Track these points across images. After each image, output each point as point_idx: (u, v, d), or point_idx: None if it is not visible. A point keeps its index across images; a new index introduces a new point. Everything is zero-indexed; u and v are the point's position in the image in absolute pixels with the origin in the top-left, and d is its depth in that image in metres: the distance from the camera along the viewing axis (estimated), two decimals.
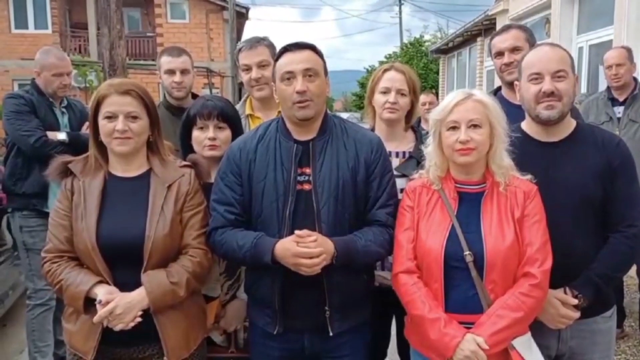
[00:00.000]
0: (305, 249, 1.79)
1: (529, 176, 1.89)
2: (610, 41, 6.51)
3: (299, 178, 1.94)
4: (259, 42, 2.74)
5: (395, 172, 2.17)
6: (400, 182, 2.17)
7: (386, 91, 2.45)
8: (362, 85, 31.20)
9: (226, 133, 2.27)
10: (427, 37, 26.05)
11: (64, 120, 3.44)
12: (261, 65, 2.69)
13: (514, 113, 2.05)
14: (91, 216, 1.88)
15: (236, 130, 2.31)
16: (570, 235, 1.91)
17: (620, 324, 3.95)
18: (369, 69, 30.84)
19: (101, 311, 1.79)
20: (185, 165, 2.05)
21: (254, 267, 2.01)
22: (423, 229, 1.89)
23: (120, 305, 1.80)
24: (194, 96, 3.05)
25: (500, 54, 2.65)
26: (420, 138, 2.51)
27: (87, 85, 16.68)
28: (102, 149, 1.97)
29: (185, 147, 2.32)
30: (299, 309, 1.95)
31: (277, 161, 1.95)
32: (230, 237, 1.93)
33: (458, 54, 15.67)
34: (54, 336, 3.48)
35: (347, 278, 1.94)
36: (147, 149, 2.02)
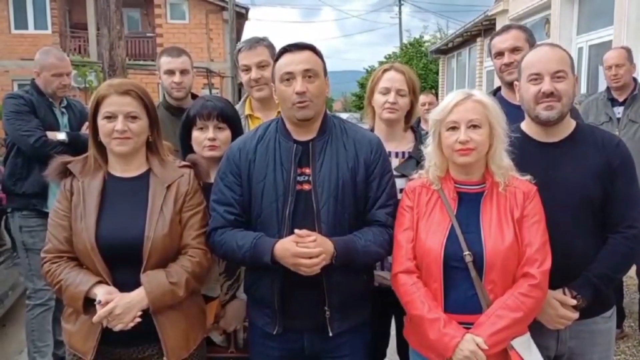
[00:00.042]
0: (304, 249, 1.79)
1: (528, 176, 1.89)
2: (610, 41, 6.51)
3: (298, 178, 1.94)
4: (258, 42, 2.74)
5: (394, 172, 2.18)
6: (399, 182, 2.17)
7: (386, 91, 2.45)
8: (362, 85, 31.21)
9: (226, 133, 2.27)
10: (426, 37, 26.08)
11: (63, 120, 3.44)
12: (261, 66, 2.69)
13: (514, 113, 2.05)
14: (90, 216, 1.88)
15: (236, 130, 2.31)
16: (570, 236, 1.91)
17: (620, 325, 3.95)
18: (369, 69, 30.85)
19: (100, 311, 1.79)
20: (184, 166, 2.05)
21: (253, 267, 2.01)
22: (422, 229, 1.89)
23: (120, 306, 1.80)
24: (194, 96, 3.05)
25: (500, 54, 2.65)
26: (419, 138, 2.51)
27: (87, 85, 16.67)
28: (101, 149, 1.97)
29: (185, 148, 2.32)
30: (299, 309, 1.95)
31: (276, 161, 1.95)
32: (230, 238, 1.93)
33: (458, 54, 15.67)
34: (54, 336, 3.48)
35: (347, 278, 1.94)
36: (147, 149, 2.02)
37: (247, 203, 1.97)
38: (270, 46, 2.75)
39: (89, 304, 1.83)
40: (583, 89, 7.18)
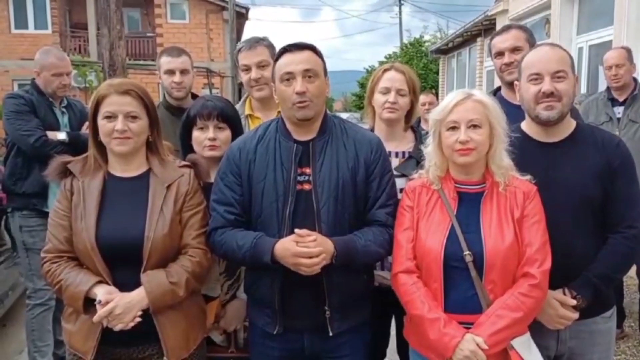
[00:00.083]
0: (304, 248, 1.79)
1: (528, 176, 1.89)
2: (610, 41, 6.51)
3: (298, 178, 1.94)
4: (258, 42, 2.74)
5: (394, 172, 2.18)
6: (399, 182, 2.17)
7: (386, 91, 2.45)
8: (362, 85, 31.19)
9: (226, 133, 2.27)
10: (427, 37, 26.06)
11: (63, 120, 3.44)
12: (261, 66, 2.69)
13: (514, 113, 2.05)
14: (90, 216, 1.88)
15: (236, 130, 2.31)
16: (570, 236, 1.91)
17: (620, 325, 3.95)
18: (369, 69, 30.83)
19: (101, 311, 1.79)
20: (184, 165, 2.05)
21: (253, 267, 2.01)
22: (422, 229, 1.89)
23: (120, 305, 1.80)
24: (194, 96, 3.05)
25: (500, 54, 2.65)
26: (419, 138, 2.51)
27: (87, 85, 16.68)
28: (101, 149, 1.97)
29: (185, 148, 2.32)
30: (299, 309, 1.95)
31: (276, 161, 1.96)
32: (230, 238, 1.93)
33: (458, 54, 15.67)
34: (54, 336, 3.48)
35: (347, 278, 1.94)
36: (147, 149, 2.02)
37: (247, 203, 1.97)
38: (270, 46, 2.75)
39: (89, 303, 1.83)
40: (583, 89, 7.18)
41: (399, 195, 2.04)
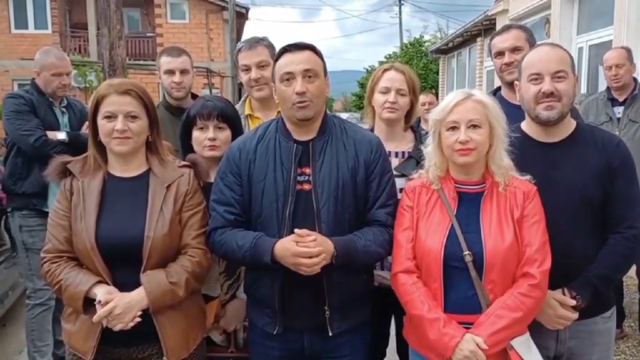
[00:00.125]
0: (304, 248, 1.79)
1: (528, 176, 1.89)
2: (610, 41, 6.51)
3: (298, 178, 1.94)
4: (258, 42, 2.74)
5: (394, 172, 2.18)
6: (399, 182, 2.17)
7: (386, 91, 2.45)
8: (362, 85, 31.20)
9: (226, 133, 2.27)
10: (427, 37, 26.05)
11: (63, 120, 3.44)
12: (260, 66, 2.69)
13: (514, 113, 2.05)
14: (90, 216, 1.88)
15: (236, 130, 2.31)
16: (570, 236, 1.91)
17: (619, 325, 3.95)
18: (369, 69, 30.83)
19: (100, 311, 1.79)
20: (184, 165, 2.05)
21: (253, 267, 2.01)
22: (422, 229, 1.89)
23: (120, 305, 1.80)
24: (194, 96, 3.05)
25: (500, 53, 2.65)
26: (419, 138, 2.51)
27: (87, 85, 16.67)
28: (101, 149, 1.97)
29: (185, 148, 2.32)
30: (299, 309, 1.95)
31: (276, 161, 1.96)
32: (230, 238, 1.93)
33: (458, 54, 15.67)
34: (54, 336, 3.48)
35: (347, 278, 1.94)
36: (146, 149, 2.02)
37: (247, 203, 1.97)
38: (270, 46, 2.75)
39: (89, 303, 1.83)
40: (583, 89, 7.19)
41: (399, 195, 2.04)
